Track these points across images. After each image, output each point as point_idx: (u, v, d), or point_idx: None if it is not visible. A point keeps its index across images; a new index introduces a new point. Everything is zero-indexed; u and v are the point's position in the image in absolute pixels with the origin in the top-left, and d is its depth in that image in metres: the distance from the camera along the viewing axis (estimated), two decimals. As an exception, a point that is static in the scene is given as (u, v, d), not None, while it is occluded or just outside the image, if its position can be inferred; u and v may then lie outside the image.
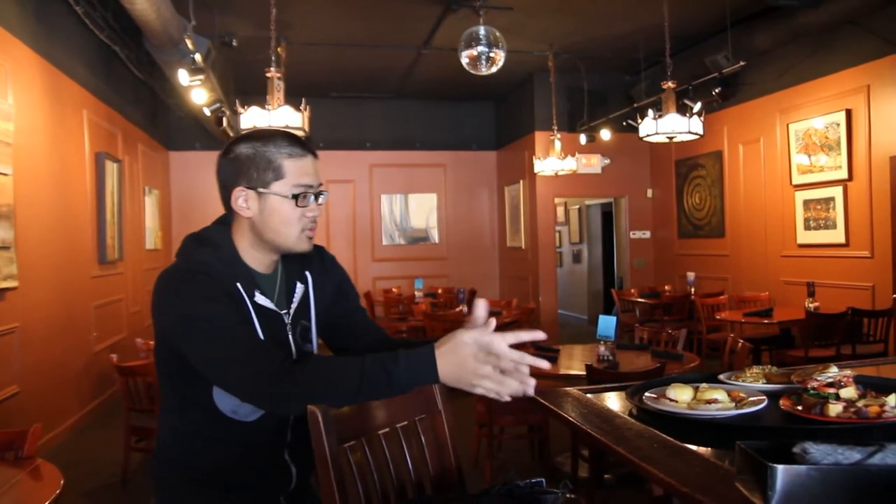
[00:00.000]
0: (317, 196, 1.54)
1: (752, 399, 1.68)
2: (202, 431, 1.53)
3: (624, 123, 8.32)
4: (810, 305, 6.48)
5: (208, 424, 1.51)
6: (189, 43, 5.62)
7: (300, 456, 1.59)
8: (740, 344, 4.60)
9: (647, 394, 1.79)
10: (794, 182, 7.19)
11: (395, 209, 11.21)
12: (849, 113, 6.48)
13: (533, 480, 1.37)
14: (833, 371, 1.76)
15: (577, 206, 12.82)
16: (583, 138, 9.23)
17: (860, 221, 6.46)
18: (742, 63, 6.82)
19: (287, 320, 1.59)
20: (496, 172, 11.49)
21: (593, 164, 9.96)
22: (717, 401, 1.64)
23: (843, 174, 6.56)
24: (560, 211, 12.70)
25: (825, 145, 6.77)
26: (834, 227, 6.73)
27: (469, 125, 11.46)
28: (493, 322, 1.23)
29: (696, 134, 5.91)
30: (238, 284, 1.50)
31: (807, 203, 7.04)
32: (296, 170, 1.51)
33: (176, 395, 1.55)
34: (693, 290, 8.11)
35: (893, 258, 5.83)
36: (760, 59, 7.29)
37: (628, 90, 9.33)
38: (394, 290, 10.10)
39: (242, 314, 1.47)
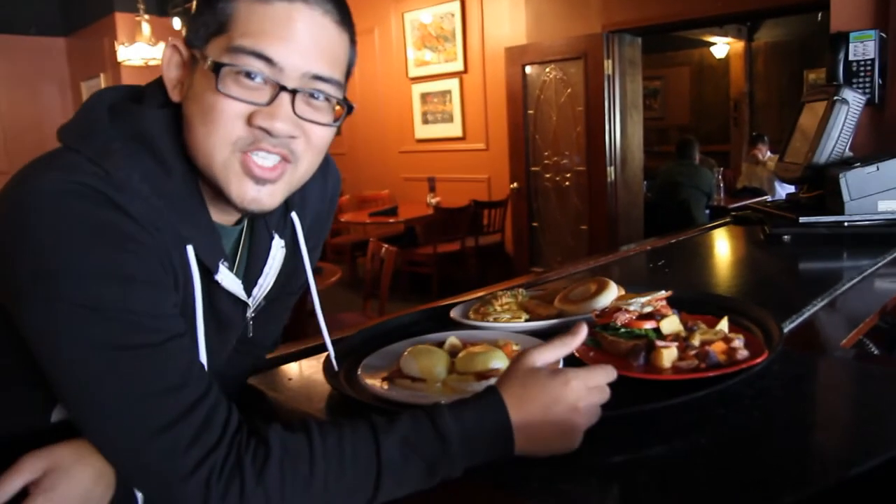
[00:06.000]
0: (287, 90, 0.80)
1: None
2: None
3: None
4: (432, 201, 6.40)
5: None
6: None
7: None
8: (384, 248, 4.12)
9: (366, 371, 1.03)
10: (411, 75, 6.93)
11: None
12: (463, 3, 6.30)
13: None
14: (613, 292, 1.20)
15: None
16: (177, 22, 7.80)
17: (475, 114, 6.46)
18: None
19: (250, 312, 0.97)
20: (68, 64, 9.35)
21: (192, 53, 8.59)
22: (498, 372, 0.94)
23: (459, 66, 6.44)
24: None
25: (441, 36, 6.56)
26: (451, 120, 6.65)
27: (23, 2, 9.01)
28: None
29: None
30: (190, 247, 0.81)
31: (424, 96, 6.85)
32: (250, 18, 0.78)
33: None
34: (313, 193, 7.56)
35: (509, 149, 5.91)
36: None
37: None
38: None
39: (185, 307, 0.81)
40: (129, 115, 0.81)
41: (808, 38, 8.47)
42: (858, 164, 1.94)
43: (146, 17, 6.87)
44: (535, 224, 5.86)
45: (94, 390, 0.69)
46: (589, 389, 0.79)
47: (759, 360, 0.94)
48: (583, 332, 0.86)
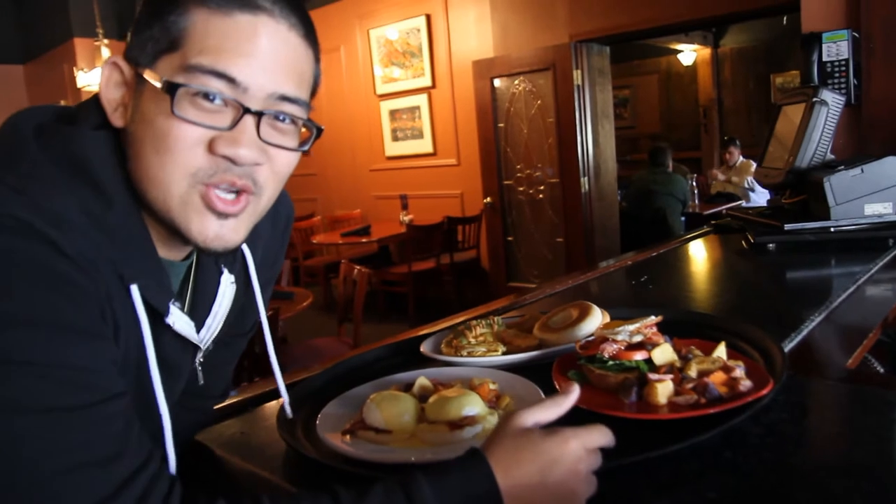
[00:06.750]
0: (251, 112, 0.69)
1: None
2: None
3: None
4: (405, 219, 6.29)
5: None
6: None
7: None
8: (356, 270, 3.99)
9: (325, 422, 0.91)
10: (379, 92, 6.82)
11: None
12: (428, 18, 6.23)
13: None
14: (597, 318, 1.10)
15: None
16: (138, 46, 7.65)
17: (445, 129, 6.36)
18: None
19: (199, 356, 0.86)
20: (26, 91, 9.13)
21: (155, 78, 8.43)
22: (474, 419, 0.83)
23: (427, 82, 6.35)
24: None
25: (407, 52, 6.48)
26: (421, 136, 6.55)
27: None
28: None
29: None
30: (135, 288, 0.69)
31: (393, 113, 6.74)
32: (207, 32, 0.68)
33: None
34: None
35: (481, 163, 5.82)
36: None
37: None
38: None
39: (128, 359, 0.69)
40: (60, 136, 0.69)
41: (774, 42, 8.53)
42: (842, 167, 1.86)
43: (105, 41, 6.67)
44: (510, 238, 5.76)
45: (11, 460, 0.56)
46: (588, 452, 0.68)
47: (764, 391, 0.84)
48: (575, 392, 0.75)
